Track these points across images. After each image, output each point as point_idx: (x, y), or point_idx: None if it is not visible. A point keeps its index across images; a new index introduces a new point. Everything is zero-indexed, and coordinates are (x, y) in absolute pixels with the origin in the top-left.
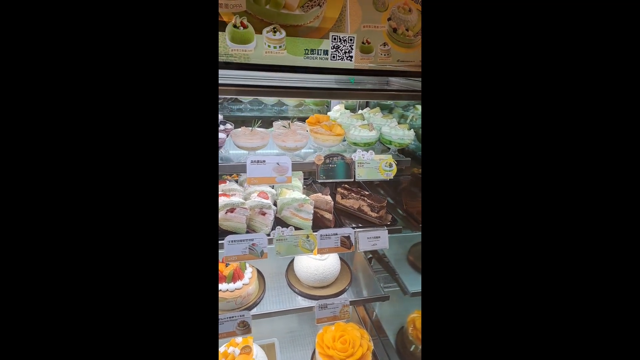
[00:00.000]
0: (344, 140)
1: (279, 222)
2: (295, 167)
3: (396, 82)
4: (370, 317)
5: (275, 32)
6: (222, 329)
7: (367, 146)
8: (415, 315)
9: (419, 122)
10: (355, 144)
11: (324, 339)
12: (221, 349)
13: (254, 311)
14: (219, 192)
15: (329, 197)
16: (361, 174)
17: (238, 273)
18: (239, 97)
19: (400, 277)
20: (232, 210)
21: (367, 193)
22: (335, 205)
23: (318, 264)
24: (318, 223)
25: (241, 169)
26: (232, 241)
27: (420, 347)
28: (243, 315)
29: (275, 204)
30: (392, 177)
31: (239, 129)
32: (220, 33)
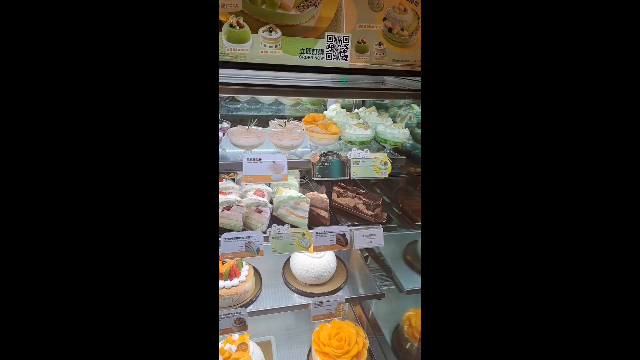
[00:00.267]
0: (340, 139)
1: (275, 220)
2: (291, 165)
3: (392, 82)
4: (367, 315)
5: (271, 31)
6: (219, 325)
7: (363, 145)
8: (411, 313)
9: (414, 120)
10: (350, 142)
11: (320, 337)
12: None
13: (251, 308)
14: None
15: (324, 195)
16: (356, 172)
17: (235, 270)
18: (237, 97)
19: (396, 275)
20: (228, 208)
21: (362, 191)
22: (331, 204)
23: (314, 262)
24: (314, 221)
25: (237, 167)
26: (228, 239)
27: (415, 344)
28: (240, 313)
29: (271, 202)
30: (386, 175)
31: (235, 127)
32: None
